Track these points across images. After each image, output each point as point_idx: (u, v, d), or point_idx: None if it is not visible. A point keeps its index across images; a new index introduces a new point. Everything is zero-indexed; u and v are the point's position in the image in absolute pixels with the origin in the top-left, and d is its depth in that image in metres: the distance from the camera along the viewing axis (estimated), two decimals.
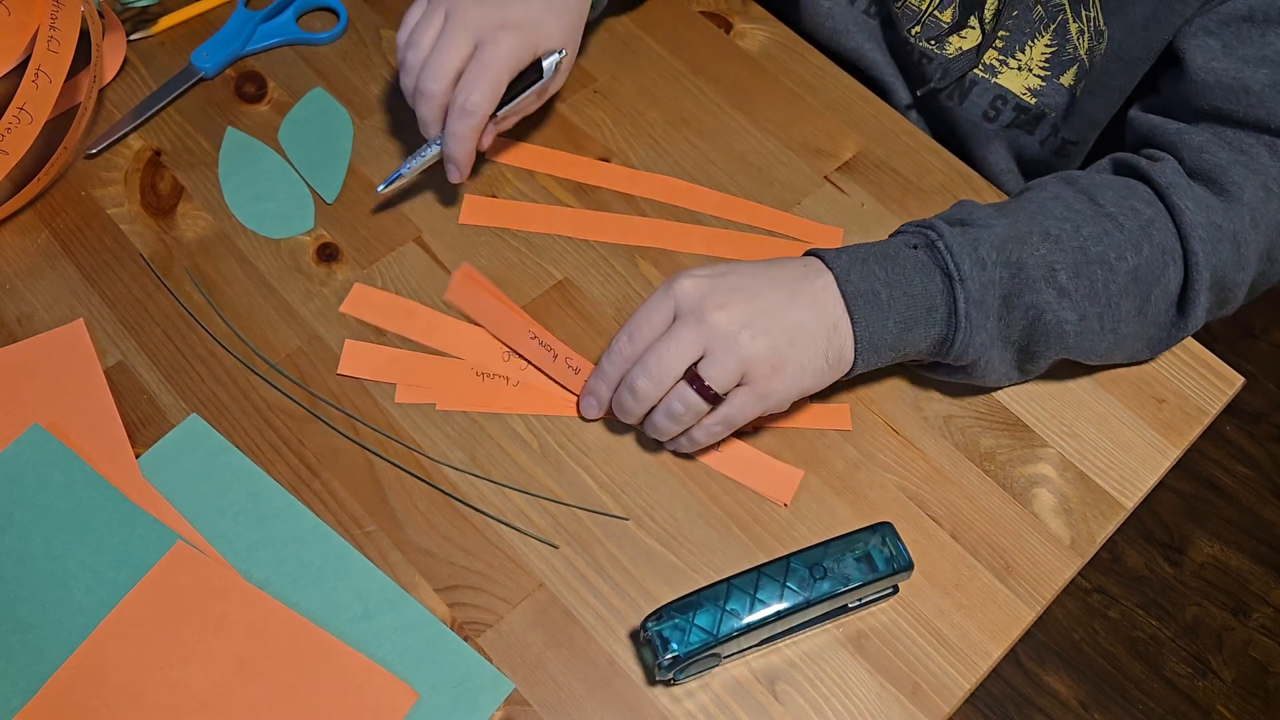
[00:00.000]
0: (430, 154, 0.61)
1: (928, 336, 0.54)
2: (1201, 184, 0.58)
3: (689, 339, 0.52)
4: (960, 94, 0.72)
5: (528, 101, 0.62)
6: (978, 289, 0.53)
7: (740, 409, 0.53)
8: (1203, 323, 0.58)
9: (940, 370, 0.58)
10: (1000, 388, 0.60)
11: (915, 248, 0.54)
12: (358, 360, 0.59)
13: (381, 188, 0.62)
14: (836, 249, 0.55)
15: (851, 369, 0.54)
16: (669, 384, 0.53)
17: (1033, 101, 0.70)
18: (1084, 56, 0.67)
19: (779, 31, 0.75)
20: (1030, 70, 0.69)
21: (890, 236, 0.57)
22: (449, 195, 0.66)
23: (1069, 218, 0.56)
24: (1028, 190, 0.59)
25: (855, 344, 0.53)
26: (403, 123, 0.69)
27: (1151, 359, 0.61)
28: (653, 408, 0.54)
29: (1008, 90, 0.70)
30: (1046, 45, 0.68)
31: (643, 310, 0.54)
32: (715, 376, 0.51)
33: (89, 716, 0.48)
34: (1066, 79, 0.68)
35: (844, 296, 0.53)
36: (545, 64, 0.61)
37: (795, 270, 0.54)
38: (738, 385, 0.52)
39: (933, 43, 0.72)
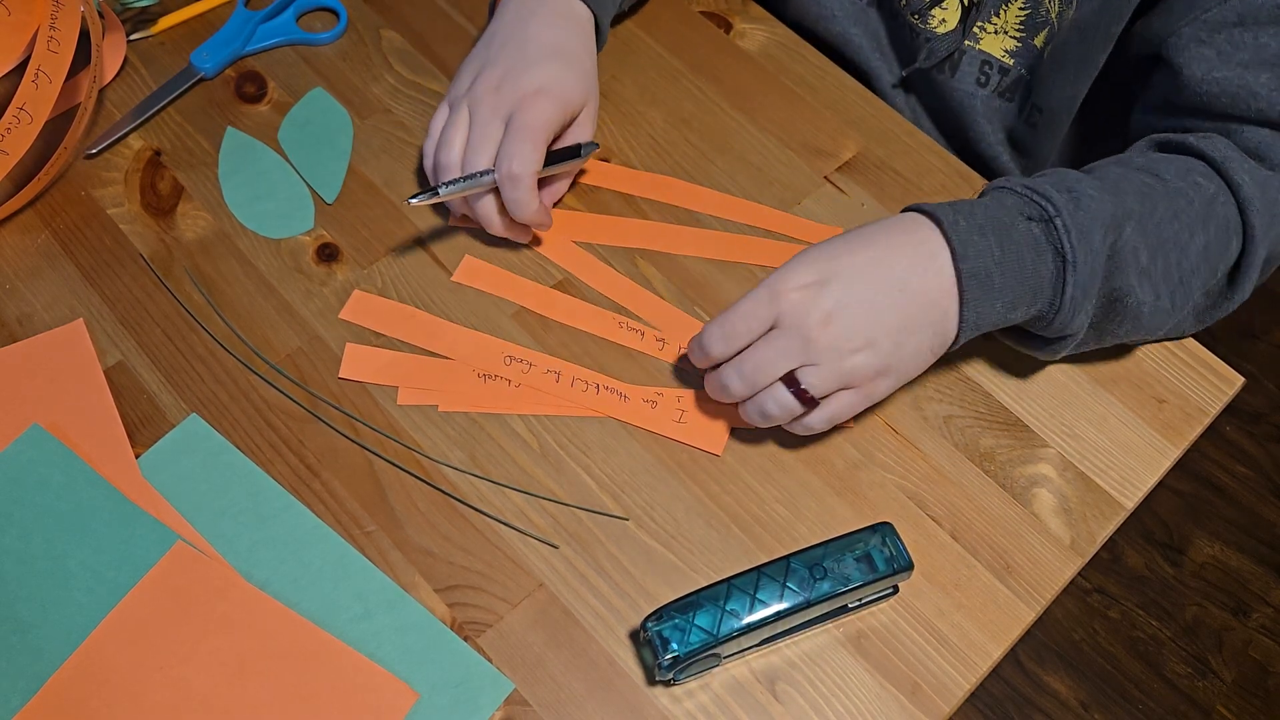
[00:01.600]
0: (473, 184, 0.58)
1: (1028, 314, 0.53)
2: (1252, 159, 0.58)
3: (790, 351, 0.51)
4: (951, 66, 0.73)
5: (565, 175, 0.62)
6: (1088, 275, 0.51)
7: (843, 409, 0.53)
8: (1247, 297, 0.59)
9: (1019, 338, 0.57)
10: (1052, 361, 0.60)
11: (1031, 220, 0.52)
12: (359, 363, 0.59)
13: (413, 200, 0.58)
14: (951, 209, 0.52)
15: (952, 345, 0.54)
16: (763, 386, 0.52)
17: (1010, 63, 0.71)
18: (1054, 20, 0.67)
19: (779, 31, 0.75)
20: (1006, 32, 0.70)
21: (991, 189, 0.55)
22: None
23: (1146, 194, 0.55)
24: (1096, 168, 0.58)
25: (960, 325, 0.52)
26: (403, 123, 0.69)
27: (1194, 332, 0.62)
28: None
29: (989, 54, 0.71)
30: (1021, 8, 0.68)
31: (741, 308, 0.52)
32: (816, 385, 0.51)
33: (89, 716, 0.48)
34: (1039, 40, 0.69)
35: (958, 276, 0.51)
36: (583, 150, 0.61)
37: (909, 253, 0.52)
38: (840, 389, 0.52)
39: (917, 17, 0.72)
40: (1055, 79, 0.69)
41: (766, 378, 0.52)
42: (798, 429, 0.54)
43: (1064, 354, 0.56)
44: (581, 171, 0.67)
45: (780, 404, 0.52)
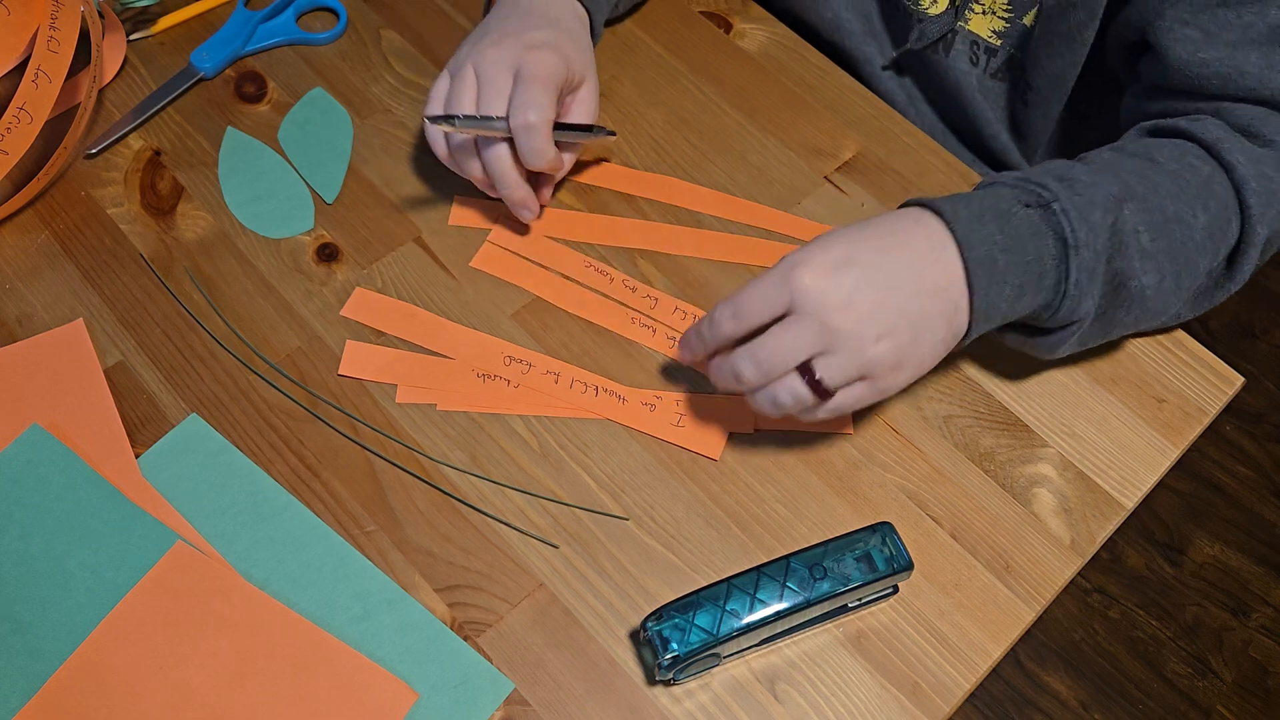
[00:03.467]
0: (488, 125, 0.57)
1: (1034, 303, 0.52)
2: (1244, 136, 0.57)
3: (808, 339, 0.49)
4: (945, 45, 0.73)
5: (571, 148, 0.62)
6: (1090, 256, 0.50)
7: (855, 401, 0.51)
8: (1247, 279, 0.58)
9: (1024, 334, 0.56)
10: (1055, 359, 0.57)
11: (1029, 207, 0.51)
12: (359, 361, 0.59)
13: (429, 118, 0.57)
14: (950, 201, 0.52)
15: (961, 342, 0.52)
16: (775, 375, 0.50)
17: (998, 43, 0.71)
18: None
19: (779, 31, 0.75)
20: (994, 13, 0.70)
21: (982, 186, 0.54)
22: (449, 196, 0.66)
23: (1146, 176, 0.54)
24: (1090, 156, 0.57)
25: (971, 315, 0.51)
26: (403, 123, 0.69)
27: (1191, 318, 0.61)
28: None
29: (977, 35, 0.71)
30: None
31: (754, 290, 0.50)
32: (833, 376, 0.49)
33: (89, 716, 0.48)
34: (1028, 19, 0.69)
35: (965, 264, 0.50)
36: (595, 132, 0.61)
37: (919, 244, 0.51)
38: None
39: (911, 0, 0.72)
40: (1045, 57, 0.68)
41: (782, 366, 0.49)
42: (803, 415, 0.52)
43: (1069, 347, 0.55)
44: (586, 164, 0.67)
45: (795, 394, 0.50)
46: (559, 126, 0.59)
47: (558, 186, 0.66)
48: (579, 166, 0.67)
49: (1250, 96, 0.57)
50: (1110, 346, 0.62)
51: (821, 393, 0.50)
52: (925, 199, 0.52)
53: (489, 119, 0.57)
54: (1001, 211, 0.51)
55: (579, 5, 0.64)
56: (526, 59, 0.58)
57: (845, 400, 0.51)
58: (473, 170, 0.61)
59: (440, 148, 0.61)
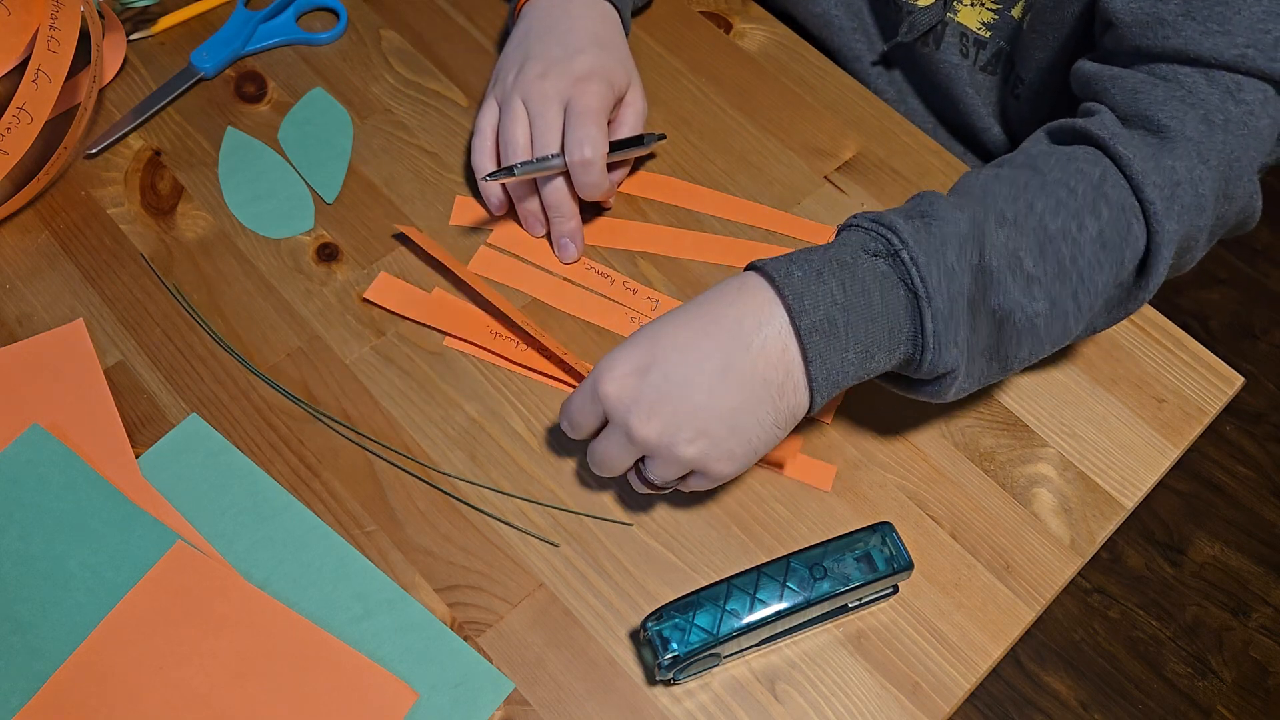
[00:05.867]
0: (544, 166, 0.59)
1: (891, 359, 0.48)
2: (1139, 129, 0.54)
3: (624, 447, 0.49)
4: (935, 38, 0.73)
5: (626, 161, 0.64)
6: (945, 304, 0.47)
7: (698, 486, 0.51)
8: (1162, 282, 0.54)
9: (904, 385, 0.52)
10: (961, 396, 0.52)
11: (876, 256, 0.48)
12: (388, 292, 0.61)
13: (489, 178, 0.59)
14: (786, 260, 0.48)
15: (809, 411, 0.49)
16: (620, 474, 0.52)
17: (986, 35, 0.71)
18: None
19: (779, 31, 0.75)
20: (983, 5, 0.70)
21: (842, 229, 0.50)
22: (449, 196, 0.66)
23: (1019, 195, 0.51)
24: (963, 181, 0.54)
25: (811, 387, 0.48)
26: (403, 123, 0.69)
27: (1107, 328, 0.57)
28: None
29: (965, 27, 0.71)
30: None
31: (575, 402, 0.51)
32: (659, 476, 0.50)
33: (89, 716, 0.48)
34: (1017, 11, 0.69)
35: (797, 333, 0.47)
36: (646, 140, 0.63)
37: (735, 323, 0.48)
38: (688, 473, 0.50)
39: None
40: (1035, 50, 0.68)
41: (615, 470, 0.51)
42: (681, 489, 0.53)
43: (956, 393, 0.50)
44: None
45: (646, 485, 0.52)
46: (613, 145, 0.61)
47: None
48: None
49: (1167, 48, 0.54)
50: (1110, 346, 0.62)
51: (661, 490, 0.52)
52: (761, 262, 0.49)
53: (545, 160, 0.59)
54: (844, 263, 0.47)
55: (607, 4, 0.65)
56: (576, 93, 0.59)
57: (692, 485, 0.51)
58: (531, 205, 0.63)
59: (495, 194, 0.63)
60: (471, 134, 0.64)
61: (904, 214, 0.49)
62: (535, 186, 0.62)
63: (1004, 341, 0.50)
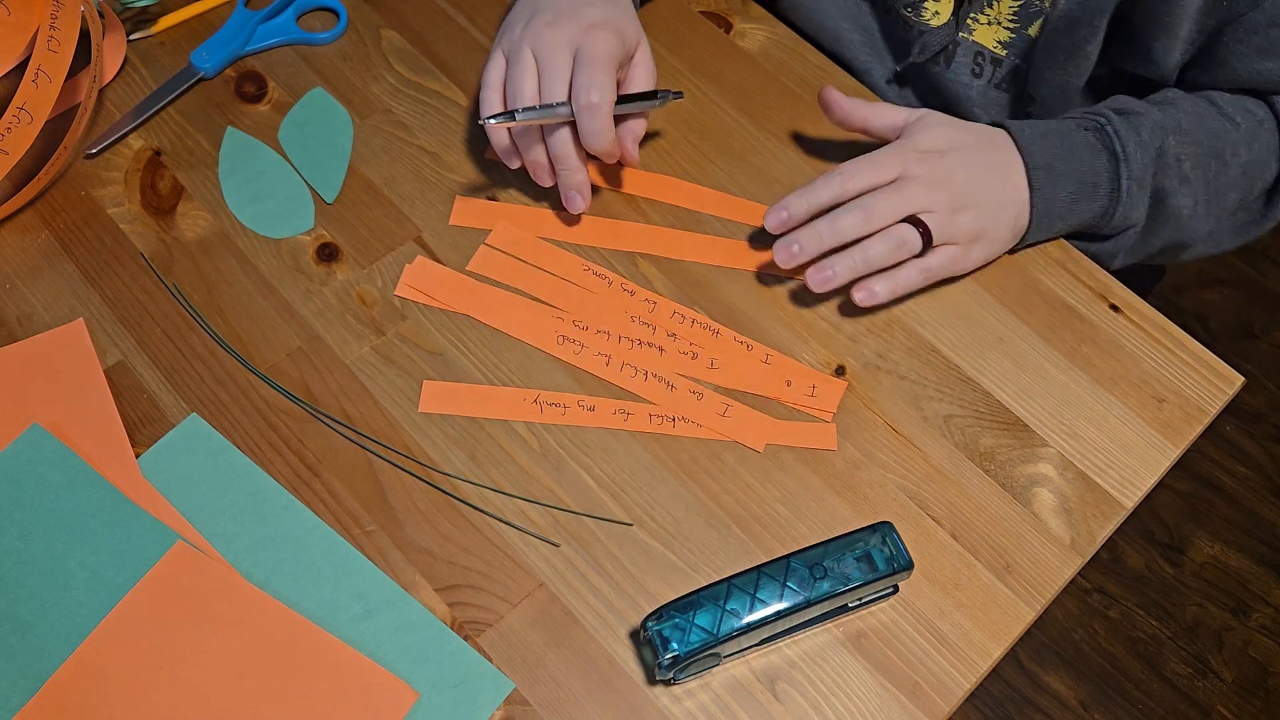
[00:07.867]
0: (549, 113, 0.58)
1: (1091, 209, 0.63)
2: None
3: (917, 197, 0.59)
4: (946, 58, 0.73)
5: (641, 116, 0.64)
6: (1139, 168, 0.62)
7: (941, 263, 0.60)
8: None
9: (1080, 242, 0.66)
10: (1112, 267, 0.66)
11: (1086, 130, 0.62)
12: (422, 277, 0.61)
13: (491, 120, 0.59)
14: (1022, 122, 0.63)
15: (1024, 235, 0.63)
16: (878, 226, 0.59)
17: (1003, 54, 0.71)
18: (1047, 9, 0.68)
19: (779, 31, 0.75)
20: (1000, 23, 0.71)
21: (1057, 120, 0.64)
22: (449, 196, 0.66)
23: (1197, 114, 0.65)
24: (1159, 94, 0.67)
25: (1032, 213, 0.61)
26: (403, 123, 0.69)
27: (1233, 248, 0.72)
28: (832, 252, 0.59)
29: (981, 45, 0.72)
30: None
31: (868, 160, 0.60)
32: (935, 226, 0.59)
33: (89, 716, 0.48)
34: (1033, 30, 0.69)
35: (1027, 169, 0.61)
36: (660, 97, 0.63)
37: (996, 150, 0.62)
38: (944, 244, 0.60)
39: (910, 10, 0.73)
40: (1048, 69, 0.69)
41: (888, 216, 0.58)
42: (888, 283, 0.59)
43: (1124, 256, 0.66)
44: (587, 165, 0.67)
45: (902, 239, 0.58)
46: (624, 99, 0.60)
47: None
48: None
49: None
50: (1110, 347, 0.62)
51: (927, 239, 0.59)
52: (998, 119, 0.64)
53: (549, 106, 0.59)
54: (1062, 132, 0.62)
55: None
56: (585, 40, 0.59)
57: (933, 262, 0.60)
58: (537, 155, 0.61)
59: (502, 140, 0.62)
60: (479, 88, 0.63)
61: (1108, 106, 0.64)
62: (542, 137, 0.61)
63: (1155, 219, 0.65)
